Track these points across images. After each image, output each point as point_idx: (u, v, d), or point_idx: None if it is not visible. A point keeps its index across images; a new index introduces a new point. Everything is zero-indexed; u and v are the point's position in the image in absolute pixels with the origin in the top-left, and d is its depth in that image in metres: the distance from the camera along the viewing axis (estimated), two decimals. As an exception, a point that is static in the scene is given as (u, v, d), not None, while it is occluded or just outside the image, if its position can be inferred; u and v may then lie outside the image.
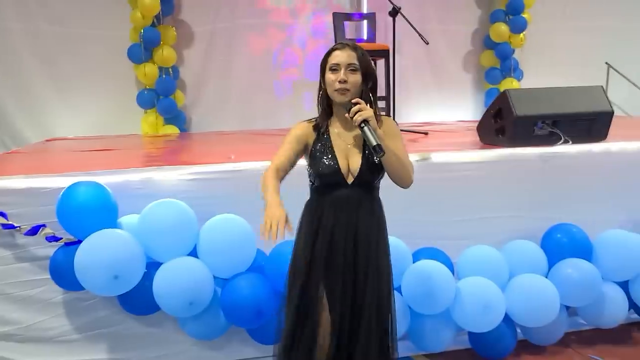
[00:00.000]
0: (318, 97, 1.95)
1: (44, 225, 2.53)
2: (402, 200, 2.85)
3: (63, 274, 2.46)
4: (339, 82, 1.85)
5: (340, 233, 1.88)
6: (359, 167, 1.89)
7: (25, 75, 5.45)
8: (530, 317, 2.74)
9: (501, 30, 6.31)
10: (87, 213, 2.39)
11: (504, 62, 6.43)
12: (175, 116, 5.74)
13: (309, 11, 6.12)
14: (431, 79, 6.45)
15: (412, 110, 6.31)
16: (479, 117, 3.66)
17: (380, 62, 4.78)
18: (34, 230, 2.53)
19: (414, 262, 2.71)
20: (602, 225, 3.04)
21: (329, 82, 1.87)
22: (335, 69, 1.87)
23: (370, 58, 1.92)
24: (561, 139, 3.18)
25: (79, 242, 2.42)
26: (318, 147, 1.92)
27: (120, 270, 2.30)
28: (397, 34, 5.48)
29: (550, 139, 3.20)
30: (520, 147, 3.15)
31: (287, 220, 1.69)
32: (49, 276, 2.54)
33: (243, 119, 5.83)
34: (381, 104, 4.85)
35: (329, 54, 1.91)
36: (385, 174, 1.92)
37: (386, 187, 2.83)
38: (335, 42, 4.87)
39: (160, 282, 2.37)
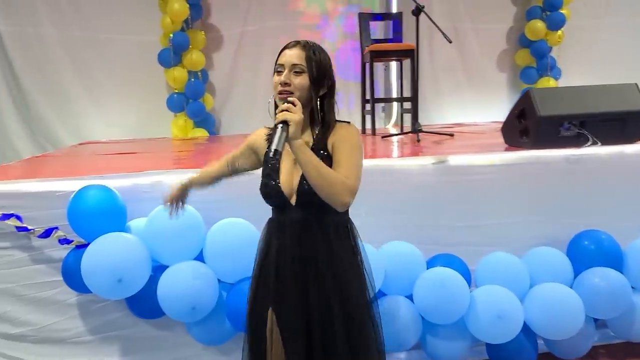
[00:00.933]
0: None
1: (56, 228, 2.57)
2: (416, 204, 2.80)
3: (74, 276, 2.49)
4: (280, 84, 1.65)
5: (286, 264, 1.69)
6: (298, 185, 1.67)
7: (62, 80, 5.64)
8: (551, 329, 2.59)
9: (537, 27, 6.09)
10: (96, 216, 2.41)
11: (540, 60, 6.20)
12: (204, 119, 5.80)
13: (339, 12, 6.08)
14: (464, 79, 6.29)
15: (443, 111, 6.18)
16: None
17: (407, 62, 4.69)
18: (47, 233, 2.57)
19: (427, 269, 2.62)
20: (635, 232, 2.86)
21: (273, 84, 1.67)
22: (279, 70, 1.67)
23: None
24: (589, 140, 3.01)
25: (88, 244, 2.45)
26: (266, 163, 1.76)
27: (124, 274, 2.31)
28: (429, 33, 5.38)
29: (577, 141, 3.03)
30: (545, 148, 2.99)
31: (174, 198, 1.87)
32: (62, 278, 2.58)
33: (272, 121, 5.82)
34: (408, 105, 4.77)
35: (280, 53, 1.71)
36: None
37: (398, 189, 2.79)
38: (361, 43, 4.89)
39: (164, 286, 2.36)
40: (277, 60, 1.69)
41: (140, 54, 5.63)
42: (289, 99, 1.62)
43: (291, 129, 1.56)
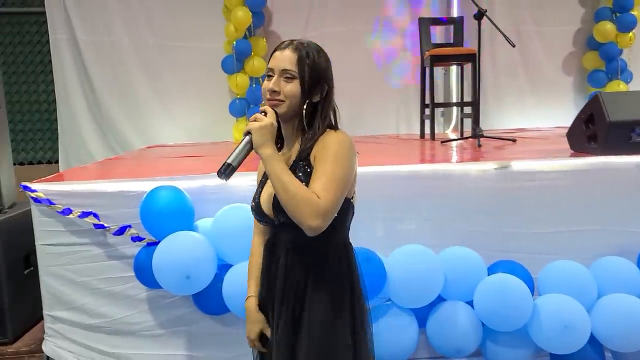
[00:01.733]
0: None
1: (129, 226, 2.72)
2: (477, 210, 2.78)
3: (145, 272, 2.63)
4: (269, 92, 1.49)
5: (270, 288, 1.60)
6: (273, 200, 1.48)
7: (133, 86, 5.90)
8: (620, 341, 2.51)
9: (607, 29, 5.85)
10: (166, 215, 2.54)
11: (610, 63, 5.95)
12: (264, 124, 5.93)
13: (399, 17, 6.06)
14: (526, 83, 6.12)
15: (505, 115, 6.03)
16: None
17: (468, 67, 4.63)
18: (121, 231, 2.73)
19: (489, 275, 2.59)
20: None
21: (262, 91, 1.52)
22: (270, 74, 1.50)
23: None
24: (662, 146, 2.89)
25: (159, 242, 2.58)
26: (259, 178, 1.66)
27: (192, 271, 2.42)
28: (490, 38, 5.29)
29: (649, 147, 2.92)
30: (615, 155, 2.89)
31: (263, 333, 1.61)
32: (134, 274, 2.73)
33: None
34: (469, 109, 4.71)
35: (271, 54, 1.54)
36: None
37: (460, 194, 2.77)
38: (421, 47, 4.87)
39: (229, 284, 2.46)
40: (268, 62, 1.53)
41: (205, 60, 5.82)
42: (261, 108, 1.48)
43: (254, 137, 1.41)
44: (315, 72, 1.50)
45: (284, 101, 1.49)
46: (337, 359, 1.51)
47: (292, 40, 1.53)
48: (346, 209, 1.53)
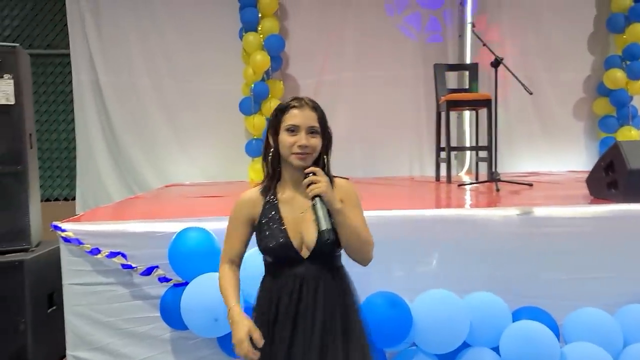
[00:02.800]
0: (266, 156, 1.75)
1: (157, 267, 2.75)
2: (499, 255, 2.80)
3: (171, 313, 2.64)
4: (299, 146, 1.66)
5: (304, 321, 1.66)
6: (315, 239, 1.65)
7: (151, 126, 6.02)
8: (648, 391, 2.48)
9: (617, 76, 5.98)
10: (194, 257, 2.57)
11: (621, 109, 6.05)
12: (279, 164, 6.01)
13: (412, 63, 6.19)
14: (538, 128, 6.23)
15: (517, 159, 6.11)
16: (592, 167, 3.48)
17: (483, 112, 4.72)
18: (148, 271, 2.75)
19: (513, 322, 2.59)
20: None
21: (285, 144, 1.67)
22: (293, 130, 1.67)
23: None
24: (683, 194, 2.92)
25: (186, 283, 2.60)
26: (266, 220, 1.71)
27: (220, 313, 2.42)
28: (503, 83, 5.41)
29: (670, 195, 2.95)
30: (636, 202, 2.93)
31: (253, 337, 1.63)
32: (158, 314, 2.74)
33: (345, 167, 5.95)
34: (483, 153, 4.78)
35: (283, 110, 1.70)
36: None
37: (482, 239, 2.79)
38: (437, 92, 4.98)
39: (257, 326, 2.46)
40: (282, 119, 1.69)
41: (223, 101, 5.95)
42: (307, 170, 1.64)
43: (328, 196, 1.60)
44: (327, 126, 1.73)
45: (311, 154, 1.68)
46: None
47: (302, 99, 1.72)
48: None
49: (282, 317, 1.68)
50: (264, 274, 1.78)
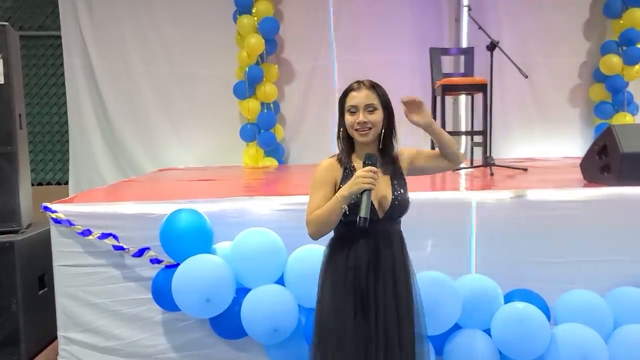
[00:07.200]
0: (338, 135, 1.95)
1: (148, 248, 2.74)
2: (492, 238, 2.80)
3: (163, 294, 2.64)
4: (358, 123, 1.86)
5: (378, 273, 1.88)
6: (390, 202, 1.89)
7: (144, 109, 5.97)
8: (638, 373, 2.50)
9: (613, 62, 5.95)
10: (186, 238, 2.56)
11: (616, 95, 6.03)
12: (274, 149, 5.99)
13: (409, 47, 6.15)
14: (534, 113, 6.20)
15: (513, 145, 6.09)
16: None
17: (478, 96, 4.70)
18: (140, 253, 2.74)
19: (505, 304, 2.59)
20: None
21: (348, 123, 1.88)
22: (353, 111, 1.87)
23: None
24: (676, 177, 2.92)
25: (177, 265, 2.59)
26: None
27: (212, 294, 2.43)
28: (499, 68, 5.37)
29: (663, 178, 2.95)
30: (628, 185, 2.93)
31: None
32: (150, 296, 2.74)
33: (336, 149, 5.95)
34: (478, 138, 4.76)
35: (345, 94, 1.91)
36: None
37: (475, 222, 2.79)
38: (432, 77, 4.95)
39: (248, 307, 2.46)
40: (345, 101, 1.90)
41: (217, 86, 5.91)
42: (368, 168, 1.79)
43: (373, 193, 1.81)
44: (389, 102, 1.92)
45: (371, 128, 1.87)
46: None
47: (361, 81, 1.91)
48: None
49: (363, 267, 1.87)
50: (332, 235, 1.94)
